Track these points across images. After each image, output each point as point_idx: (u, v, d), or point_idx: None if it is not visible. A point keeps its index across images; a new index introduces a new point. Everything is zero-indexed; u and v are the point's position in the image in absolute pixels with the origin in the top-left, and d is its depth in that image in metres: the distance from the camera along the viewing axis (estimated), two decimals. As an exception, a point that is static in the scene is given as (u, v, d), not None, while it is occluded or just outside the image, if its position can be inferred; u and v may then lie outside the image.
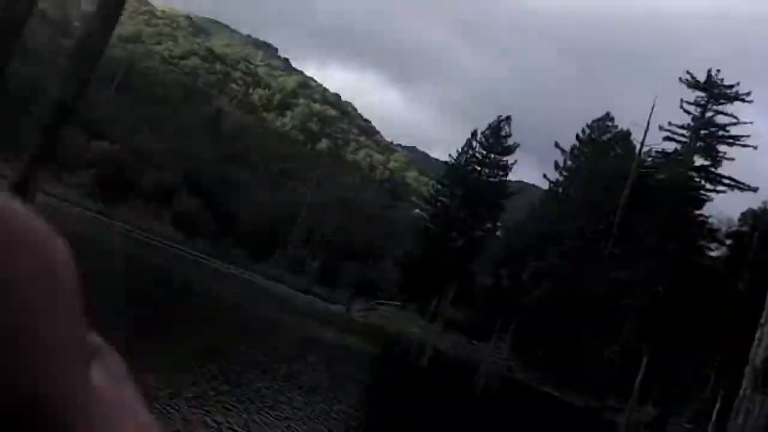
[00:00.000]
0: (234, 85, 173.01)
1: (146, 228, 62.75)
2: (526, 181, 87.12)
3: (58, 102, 8.07)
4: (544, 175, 66.19)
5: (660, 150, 61.14)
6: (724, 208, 57.26)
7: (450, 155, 70.89)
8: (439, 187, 71.82)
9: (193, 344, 20.47)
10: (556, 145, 65.60)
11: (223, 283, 54.10)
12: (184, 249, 63.08)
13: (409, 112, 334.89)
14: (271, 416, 13.89)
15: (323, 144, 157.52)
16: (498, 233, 68.71)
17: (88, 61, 8.23)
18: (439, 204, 68.85)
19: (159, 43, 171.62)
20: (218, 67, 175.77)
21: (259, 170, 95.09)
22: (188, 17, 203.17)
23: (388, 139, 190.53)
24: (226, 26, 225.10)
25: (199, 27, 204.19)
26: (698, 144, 59.09)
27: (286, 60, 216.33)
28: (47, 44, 77.53)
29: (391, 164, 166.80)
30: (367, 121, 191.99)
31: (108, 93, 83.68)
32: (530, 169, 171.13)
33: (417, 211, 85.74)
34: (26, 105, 39.02)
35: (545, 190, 66.87)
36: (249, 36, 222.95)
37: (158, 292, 31.46)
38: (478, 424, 25.69)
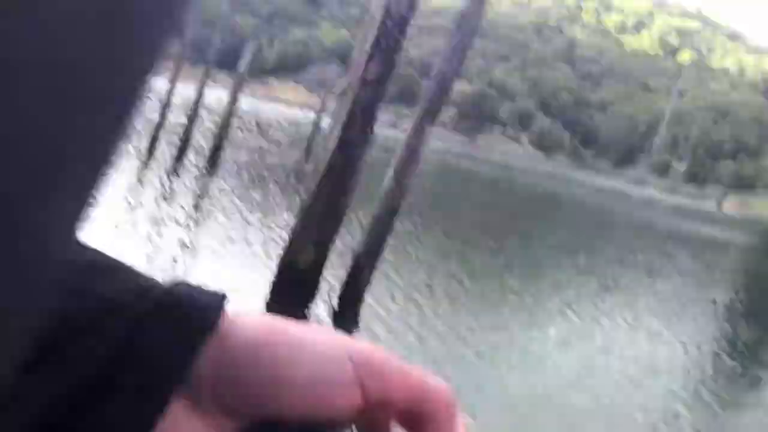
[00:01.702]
0: (585, 16, 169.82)
1: (505, 151, 64.96)
2: None
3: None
4: None
5: None
6: None
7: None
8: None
9: (558, 242, 21.27)
10: None
11: (586, 192, 54.12)
12: (544, 167, 64.37)
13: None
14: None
15: (685, 56, 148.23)
16: None
17: (468, 33, 9.24)
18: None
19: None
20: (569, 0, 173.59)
21: (617, 88, 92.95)
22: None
23: (762, 44, 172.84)
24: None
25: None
26: None
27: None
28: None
29: (767, 65, 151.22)
30: (734, 32, 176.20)
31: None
32: None
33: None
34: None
35: None
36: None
37: (529, 204, 33.06)
38: None
